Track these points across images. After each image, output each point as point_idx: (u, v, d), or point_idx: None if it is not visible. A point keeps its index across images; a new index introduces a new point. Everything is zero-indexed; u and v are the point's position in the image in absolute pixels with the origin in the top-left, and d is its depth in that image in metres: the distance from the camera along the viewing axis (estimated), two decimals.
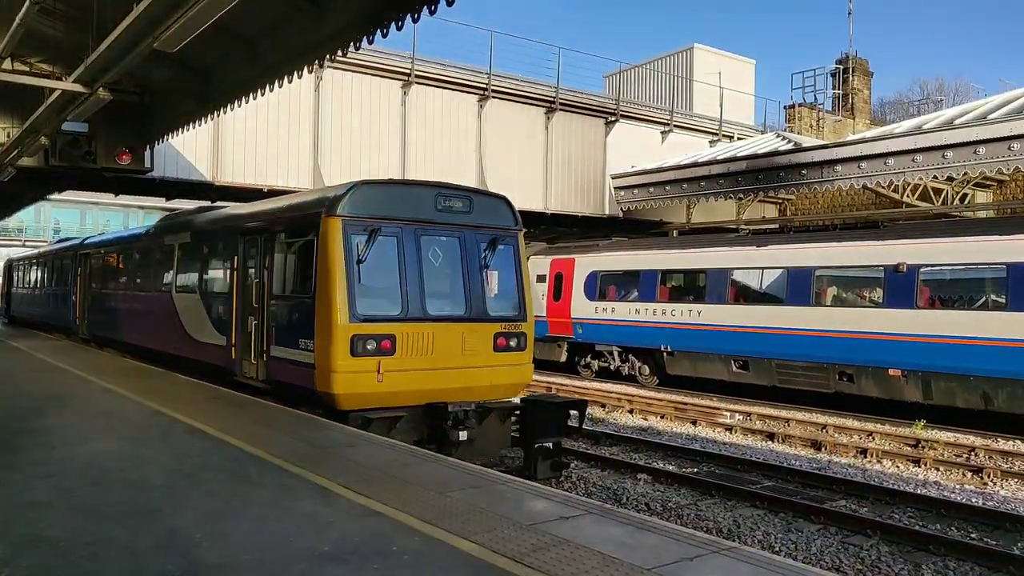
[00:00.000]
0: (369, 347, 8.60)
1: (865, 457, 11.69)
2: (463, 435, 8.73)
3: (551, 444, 9.33)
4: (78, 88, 9.40)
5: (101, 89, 9.29)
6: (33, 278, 25.76)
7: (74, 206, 47.45)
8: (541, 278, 21.46)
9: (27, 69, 11.85)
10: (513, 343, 9.72)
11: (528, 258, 11.57)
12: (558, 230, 25.31)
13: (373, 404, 8.72)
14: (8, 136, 13.62)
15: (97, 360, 15.22)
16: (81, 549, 4.40)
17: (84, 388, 11.05)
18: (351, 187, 9.10)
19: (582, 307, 20.15)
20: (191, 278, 12.88)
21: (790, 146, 19.06)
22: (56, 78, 10.56)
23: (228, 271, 11.29)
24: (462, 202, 9.76)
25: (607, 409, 15.71)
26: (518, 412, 9.64)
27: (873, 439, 12.77)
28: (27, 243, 43.94)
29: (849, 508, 8.85)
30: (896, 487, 9.78)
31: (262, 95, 10.92)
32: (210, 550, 4.44)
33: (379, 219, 8.98)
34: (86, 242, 20.47)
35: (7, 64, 10.35)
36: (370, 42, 8.15)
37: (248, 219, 11.30)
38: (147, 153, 12.79)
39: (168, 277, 13.74)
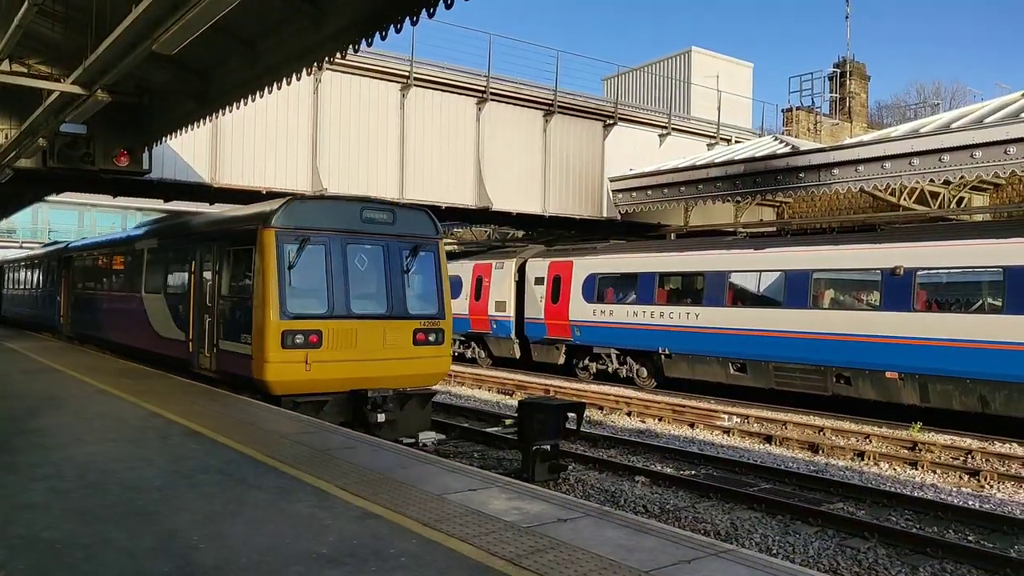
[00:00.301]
0: (298, 341, 9.90)
1: (862, 460, 11.70)
2: (381, 417, 10.10)
3: (549, 446, 9.35)
4: (76, 90, 9.39)
5: (100, 91, 9.28)
6: (22, 280, 27.04)
7: (72, 207, 47.37)
8: (539, 280, 21.47)
9: (25, 71, 11.84)
10: (431, 338, 11.01)
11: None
12: (556, 232, 25.34)
13: (302, 390, 9.98)
14: (6, 137, 13.60)
15: (91, 361, 15.19)
16: (78, 551, 4.40)
17: (79, 390, 11.03)
18: (285, 202, 10.61)
19: (580, 310, 20.16)
20: (157, 281, 14.09)
21: (787, 149, 19.09)
22: (54, 80, 10.56)
23: (187, 275, 12.58)
24: (386, 214, 11.10)
25: (605, 411, 15.71)
26: (429, 397, 11.25)
27: (870, 441, 12.78)
28: (24, 244, 43.89)
29: (846, 510, 8.86)
30: (893, 490, 9.78)
31: (261, 97, 10.92)
32: (207, 552, 4.44)
33: (309, 230, 10.33)
34: (70, 246, 21.78)
35: (5, 65, 10.35)
36: (369, 44, 8.15)
37: (203, 229, 12.75)
38: (145, 155, 12.78)
39: (138, 280, 14.99)
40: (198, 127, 13.66)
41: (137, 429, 8.14)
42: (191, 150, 16.47)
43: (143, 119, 12.26)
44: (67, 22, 9.86)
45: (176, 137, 14.43)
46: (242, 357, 10.44)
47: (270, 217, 10.28)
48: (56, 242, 27.76)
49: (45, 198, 29.36)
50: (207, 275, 11.86)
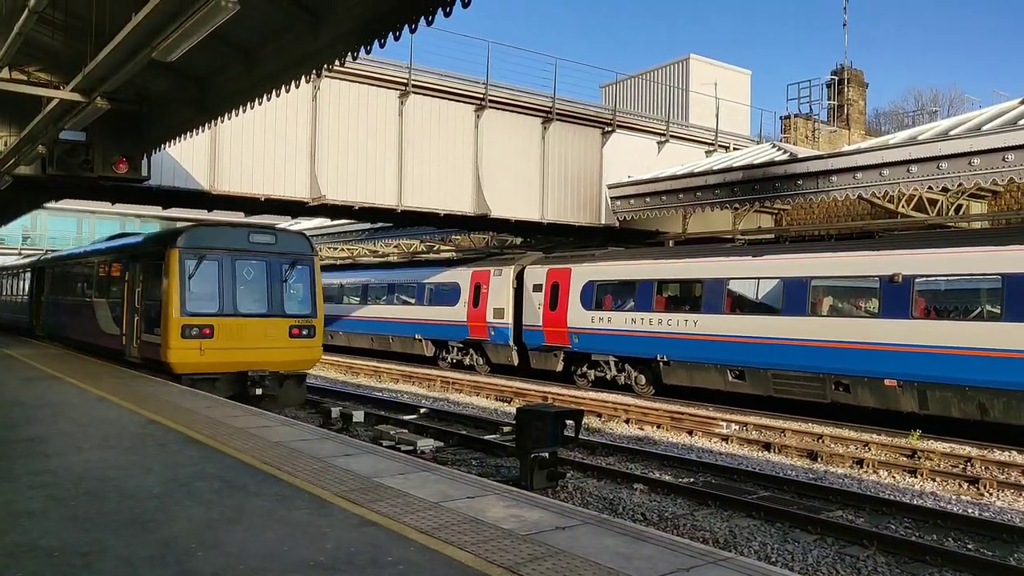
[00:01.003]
0: (194, 332, 12.94)
1: (861, 467, 11.69)
2: (259, 391, 13.18)
3: (547, 454, 9.34)
4: (76, 97, 9.41)
5: (99, 98, 9.30)
6: (3, 287, 30.93)
7: (71, 214, 47.38)
8: (537, 287, 21.47)
9: (25, 78, 11.86)
10: (305, 332, 14.02)
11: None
12: (554, 239, 25.34)
13: (198, 370, 13.03)
14: (5, 144, 13.61)
15: (89, 367, 15.18)
16: (76, 559, 4.39)
17: (78, 397, 11.01)
18: (187, 227, 14.09)
19: (578, 317, 20.16)
20: (103, 289, 17.17)
21: (786, 156, 19.12)
22: (54, 87, 10.58)
23: (122, 284, 15.64)
24: (269, 237, 14.33)
25: (603, 419, 15.69)
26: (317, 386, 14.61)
27: (869, 449, 12.77)
28: (22, 251, 43.87)
29: (846, 518, 8.85)
30: (892, 497, 9.77)
31: (259, 104, 10.93)
32: (205, 560, 4.43)
33: (205, 249, 13.42)
34: (41, 259, 25.33)
35: (5, 73, 10.38)
36: (367, 52, 8.17)
37: (131, 248, 15.85)
38: (144, 162, 12.79)
39: (90, 288, 18.16)
40: (197, 134, 13.67)
41: (135, 436, 8.12)
42: (190, 157, 16.48)
43: (142, 126, 12.28)
44: (67, 30, 9.89)
45: (175, 144, 14.44)
46: (156, 346, 13.47)
47: (175, 239, 13.51)
48: (38, 250, 32.06)
49: (44, 205, 29.40)
50: (134, 284, 14.94)
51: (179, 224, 49.82)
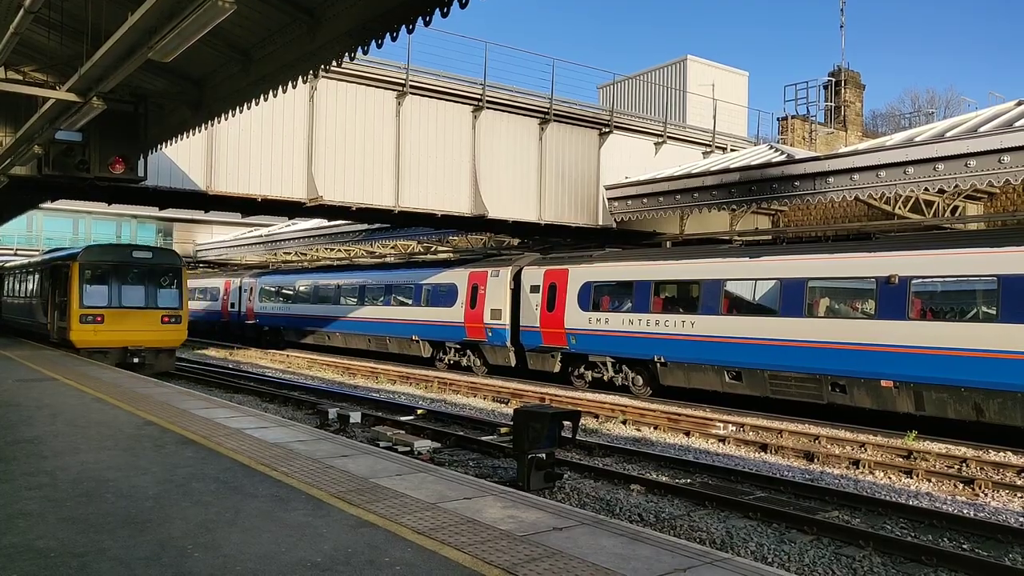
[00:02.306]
0: (89, 319, 18.55)
1: (858, 468, 11.71)
2: (136, 360, 18.72)
3: (544, 455, 9.33)
4: (72, 97, 9.41)
5: (95, 98, 9.29)
6: None
7: (66, 215, 47.26)
8: (535, 288, 21.47)
9: (20, 78, 11.84)
10: (172, 320, 19.64)
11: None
12: (552, 240, 25.34)
13: (93, 346, 18.51)
14: (1, 145, 13.60)
15: (85, 368, 15.15)
16: (72, 560, 4.38)
17: (76, 398, 11.00)
18: (87, 247, 20.11)
19: (576, 317, 20.16)
20: (39, 290, 22.88)
21: (783, 158, 19.15)
22: (50, 87, 10.56)
23: (49, 287, 21.16)
24: (147, 253, 20.63)
25: (600, 420, 15.70)
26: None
27: (865, 450, 12.79)
28: (18, 251, 43.75)
29: (842, 519, 8.86)
30: (889, 498, 9.79)
31: (256, 104, 10.93)
32: (202, 561, 4.42)
33: (98, 262, 19.20)
34: (5, 265, 31.72)
35: (1, 73, 10.36)
36: (365, 52, 8.17)
37: (53, 260, 21.46)
38: (141, 162, 12.76)
39: (34, 288, 23.62)
40: (194, 135, 13.67)
41: (131, 437, 8.11)
42: (187, 158, 16.47)
43: (139, 127, 12.25)
44: (63, 30, 9.88)
45: (171, 145, 14.43)
46: (65, 329, 19.03)
47: (76, 256, 19.36)
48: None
49: (40, 206, 29.34)
50: (55, 287, 20.44)
51: (175, 225, 49.75)
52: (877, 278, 14.46)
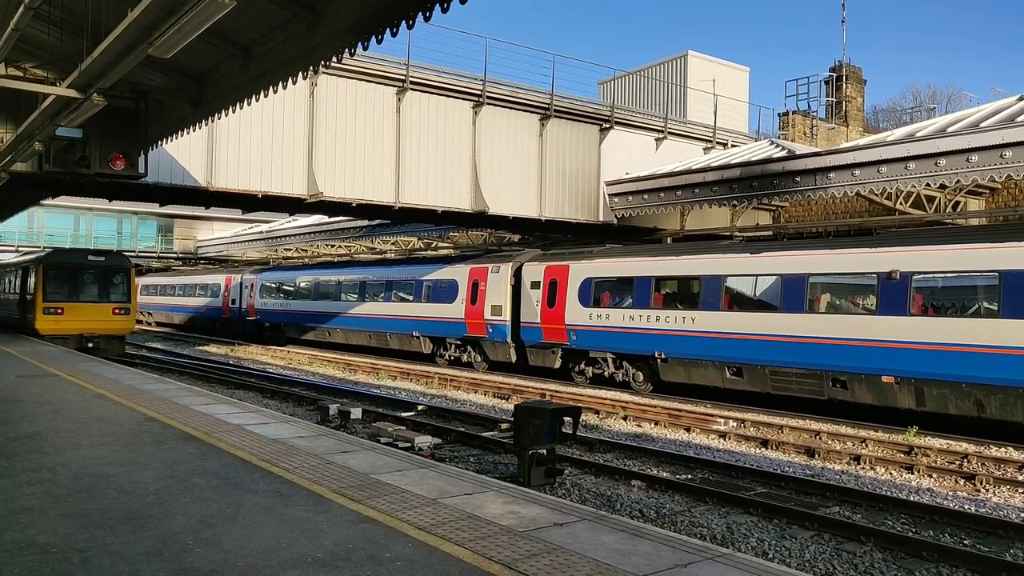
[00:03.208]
0: (51, 311, 22.00)
1: (858, 464, 11.71)
2: (90, 345, 21.79)
3: (545, 451, 9.34)
4: (72, 94, 9.40)
5: (95, 94, 9.29)
6: None
7: (68, 212, 47.24)
8: (535, 285, 21.46)
9: (21, 74, 11.82)
10: (122, 312, 23.08)
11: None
12: (552, 236, 25.35)
13: (54, 333, 21.76)
14: (2, 142, 13.59)
15: (86, 364, 15.17)
16: (73, 556, 4.39)
17: (77, 394, 11.01)
18: (48, 252, 24.29)
19: (576, 314, 20.16)
20: (16, 287, 25.95)
21: (784, 153, 19.13)
22: (50, 83, 10.55)
23: (22, 285, 24.84)
24: (101, 257, 23.94)
25: (601, 416, 15.71)
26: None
27: (866, 446, 12.80)
28: (19, 248, 43.77)
29: (843, 515, 8.86)
30: (889, 494, 9.79)
31: (256, 101, 10.93)
32: (203, 556, 4.43)
33: (59, 265, 22.67)
34: None
35: (1, 69, 10.34)
36: (365, 47, 8.17)
37: (26, 263, 25.09)
38: (141, 159, 12.75)
39: (16, 286, 26.30)
40: (194, 131, 13.67)
41: (132, 433, 8.12)
42: (187, 154, 16.47)
43: (139, 123, 12.23)
44: (63, 26, 9.86)
45: (172, 141, 14.43)
46: (32, 319, 22.65)
47: (41, 261, 23.07)
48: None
49: (41, 202, 29.36)
50: (25, 285, 24.32)
51: (175, 221, 49.99)
52: (878, 274, 14.44)
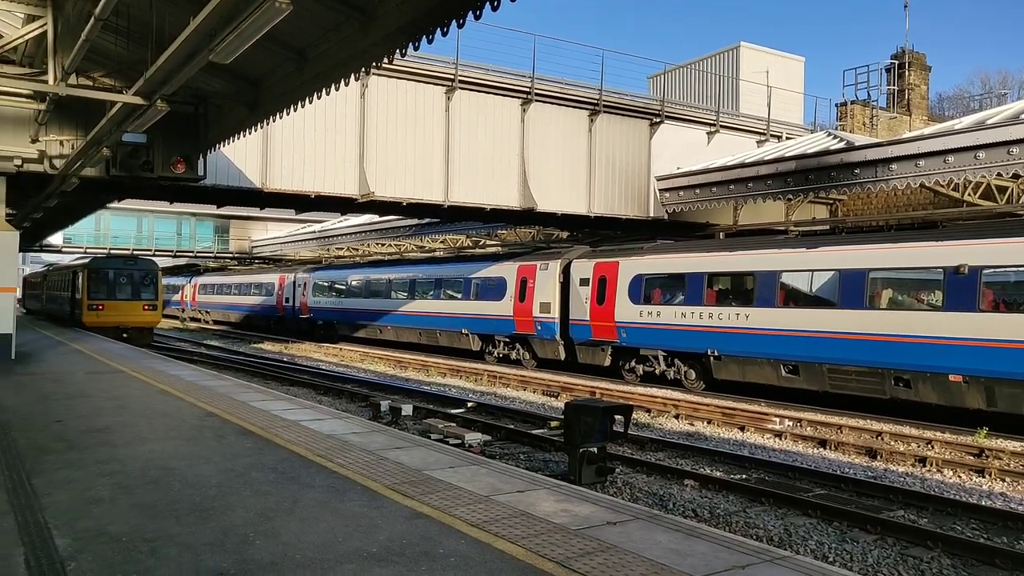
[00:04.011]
0: (94, 307, 27.13)
1: (924, 466, 11.32)
2: (124, 335, 25.88)
3: (596, 449, 9.29)
4: (138, 100, 9.72)
5: (159, 101, 9.59)
6: (35, 285, 47.29)
7: (131, 214, 48.95)
8: (584, 281, 21.35)
9: (90, 83, 12.30)
10: (151, 308, 27.98)
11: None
12: (601, 233, 25.19)
13: (97, 326, 26.40)
14: (73, 148, 14.16)
15: (149, 362, 15.69)
16: (142, 545, 4.54)
17: (142, 390, 11.39)
18: (91, 260, 29.18)
19: (626, 311, 20.00)
20: (66, 287, 31.44)
21: (842, 145, 18.62)
22: (117, 91, 10.95)
23: (72, 285, 29.84)
24: (135, 262, 28.96)
25: (652, 414, 15.55)
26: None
27: (932, 447, 12.37)
28: (87, 250, 45.58)
29: (908, 518, 8.58)
30: (958, 498, 9.44)
31: (310, 103, 11.13)
32: (263, 548, 4.53)
33: (101, 269, 27.83)
34: (49, 269, 42.79)
35: (72, 79, 10.77)
36: (415, 48, 8.24)
37: (75, 267, 30.02)
38: (201, 162, 13.15)
39: (66, 285, 31.72)
40: (250, 134, 14.00)
41: (194, 428, 8.36)
42: (243, 157, 16.88)
43: (199, 127, 12.63)
44: (129, 36, 10.22)
45: (229, 144, 14.82)
46: (80, 314, 27.47)
47: (85, 266, 27.86)
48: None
49: (107, 205, 30.52)
50: (75, 285, 28.98)
51: (231, 222, 51.73)
52: (945, 268, 13.94)
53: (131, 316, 27.55)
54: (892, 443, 12.71)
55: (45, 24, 10.69)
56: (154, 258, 40.63)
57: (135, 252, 43.69)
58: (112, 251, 44.16)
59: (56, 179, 15.12)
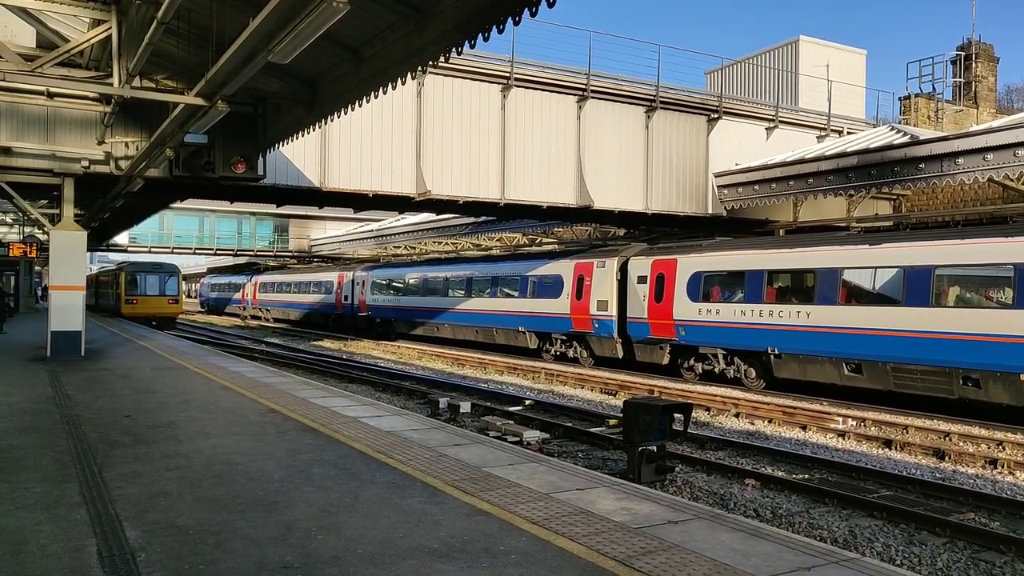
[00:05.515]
0: (129, 301, 35.71)
1: (995, 468, 10.87)
2: (153, 323, 33.17)
3: (655, 447, 9.18)
4: (199, 102, 9.98)
5: (220, 102, 9.83)
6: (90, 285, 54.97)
7: (193, 214, 50.41)
8: (642, 279, 21.13)
9: (153, 86, 12.70)
10: (174, 302, 36.91)
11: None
12: (658, 230, 24.89)
13: (132, 316, 34.68)
14: (137, 149, 14.65)
15: (210, 358, 16.12)
16: (208, 537, 4.66)
17: (205, 386, 11.72)
18: (128, 264, 38.89)
19: (685, 309, 19.72)
20: (111, 285, 39.68)
21: (906, 139, 17.99)
22: (179, 93, 11.26)
23: (113, 283, 39.34)
24: (161, 265, 37.78)
25: (712, 413, 15.30)
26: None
27: (1004, 449, 11.86)
28: (152, 249, 47.19)
29: (979, 521, 8.25)
30: None
31: (367, 102, 11.25)
32: (324, 543, 4.60)
33: (135, 271, 36.55)
34: (100, 271, 52.41)
35: (136, 82, 11.13)
36: (472, 46, 8.24)
37: (114, 270, 41.49)
38: (260, 161, 13.42)
39: (112, 283, 39.24)
40: (307, 134, 14.24)
41: (256, 424, 8.56)
42: (301, 156, 17.20)
43: (258, 128, 12.89)
44: (189, 38, 10.50)
45: (287, 144, 15.10)
46: (119, 306, 36.23)
47: (123, 269, 37.37)
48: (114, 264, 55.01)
49: (170, 205, 31.53)
50: (116, 284, 37.40)
51: (290, 221, 53.19)
52: (1016, 264, 13.35)
53: (159, 308, 35.91)
54: (961, 444, 12.24)
55: (109, 28, 11.05)
56: (215, 257, 52.95)
57: (197, 250, 52.57)
58: (175, 249, 50.82)
59: (122, 180, 15.65)
